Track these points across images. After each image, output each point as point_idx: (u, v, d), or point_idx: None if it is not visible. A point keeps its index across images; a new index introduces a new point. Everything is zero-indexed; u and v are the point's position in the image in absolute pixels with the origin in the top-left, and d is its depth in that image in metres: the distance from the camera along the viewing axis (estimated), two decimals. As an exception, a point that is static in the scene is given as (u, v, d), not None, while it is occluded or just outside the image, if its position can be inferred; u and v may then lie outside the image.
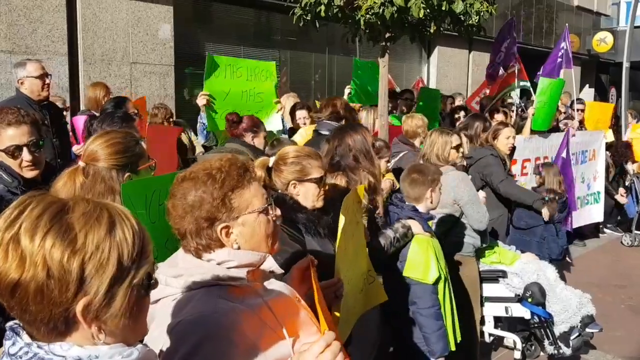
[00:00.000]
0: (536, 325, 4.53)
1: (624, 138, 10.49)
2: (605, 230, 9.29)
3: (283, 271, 1.83)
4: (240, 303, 1.51)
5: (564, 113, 9.70)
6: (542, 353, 4.70)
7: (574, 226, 7.99)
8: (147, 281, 1.12)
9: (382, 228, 3.23)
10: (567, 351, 4.44)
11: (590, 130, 9.08)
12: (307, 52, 11.14)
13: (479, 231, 4.19)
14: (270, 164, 2.61)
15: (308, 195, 2.56)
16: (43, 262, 0.99)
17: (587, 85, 19.90)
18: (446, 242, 3.53)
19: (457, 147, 4.19)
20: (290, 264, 2.08)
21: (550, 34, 17.09)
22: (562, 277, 4.92)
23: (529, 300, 4.42)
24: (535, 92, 7.76)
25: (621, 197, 9.00)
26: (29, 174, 2.76)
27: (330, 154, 3.21)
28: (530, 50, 14.88)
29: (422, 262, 3.21)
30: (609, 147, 8.82)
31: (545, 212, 5.32)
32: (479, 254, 4.49)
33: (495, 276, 4.55)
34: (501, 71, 8.31)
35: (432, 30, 5.76)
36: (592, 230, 8.96)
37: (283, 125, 5.65)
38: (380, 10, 5.13)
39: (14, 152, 2.70)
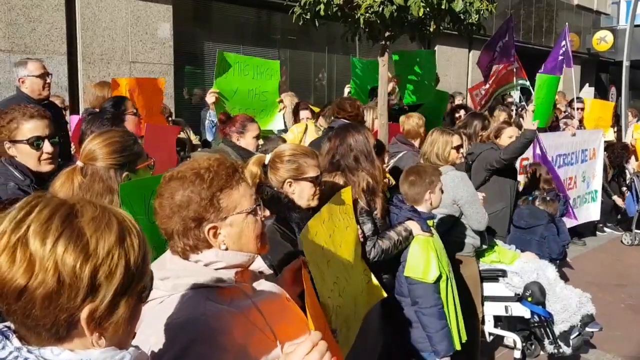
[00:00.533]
0: (536, 324, 4.52)
1: (625, 138, 10.50)
2: (605, 229, 9.29)
3: (272, 272, 1.81)
4: (228, 305, 1.49)
5: (564, 112, 9.69)
6: (542, 352, 4.69)
7: (573, 224, 8.00)
8: (147, 289, 1.12)
9: (385, 230, 3.22)
10: (567, 350, 4.43)
11: (590, 128, 9.08)
12: (307, 51, 11.13)
13: (478, 231, 4.19)
14: (266, 161, 2.60)
15: (303, 194, 2.55)
16: (54, 268, 0.96)
17: (587, 84, 19.89)
18: (446, 242, 3.52)
19: (458, 148, 4.18)
20: (282, 265, 2.07)
21: (550, 33, 17.07)
22: (562, 276, 4.92)
23: (529, 299, 4.41)
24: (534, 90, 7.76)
25: (618, 199, 9.01)
26: (47, 167, 2.74)
27: (332, 152, 3.19)
28: (530, 49, 14.88)
29: (422, 262, 3.21)
30: (606, 147, 8.82)
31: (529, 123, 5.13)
32: (479, 253, 4.48)
33: (495, 275, 4.55)
34: (494, 67, 8.27)
35: (431, 29, 5.73)
36: (590, 229, 8.97)
37: (285, 125, 5.64)
38: (380, 9, 5.11)
39: (36, 142, 2.69)
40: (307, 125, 5.25)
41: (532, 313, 4.46)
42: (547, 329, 4.44)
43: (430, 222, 3.38)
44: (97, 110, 5.17)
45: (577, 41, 17.86)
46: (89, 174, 2.25)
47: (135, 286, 1.07)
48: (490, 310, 4.60)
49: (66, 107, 6.41)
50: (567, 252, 7.44)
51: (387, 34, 5.67)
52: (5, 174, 2.65)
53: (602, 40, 18.72)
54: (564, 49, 8.65)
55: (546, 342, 4.48)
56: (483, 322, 4.56)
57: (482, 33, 6.07)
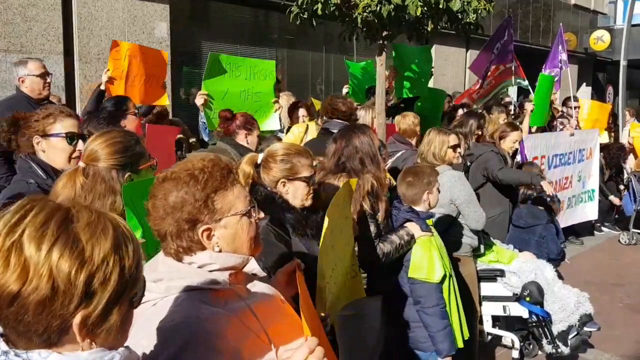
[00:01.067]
0: (534, 324, 4.51)
1: (622, 137, 10.51)
2: (603, 228, 9.30)
3: (265, 274, 1.79)
4: (222, 307, 1.47)
5: (561, 111, 9.70)
6: (540, 352, 4.68)
7: (568, 224, 8.02)
8: (138, 296, 1.10)
9: (387, 233, 3.21)
10: (566, 350, 4.42)
11: (587, 129, 9.10)
12: (304, 50, 11.11)
13: (476, 231, 4.18)
14: (259, 161, 2.58)
15: (297, 194, 2.53)
16: (49, 274, 0.95)
17: (585, 84, 19.91)
18: (444, 242, 3.51)
19: (455, 147, 4.17)
20: (276, 266, 2.06)
21: (548, 33, 17.08)
22: (560, 276, 4.91)
23: (527, 299, 4.40)
24: (533, 90, 7.76)
25: (614, 198, 9.02)
26: (75, 166, 2.74)
27: (338, 154, 3.16)
28: (527, 49, 14.88)
29: (426, 262, 3.21)
30: (602, 148, 8.84)
31: (546, 185, 5.33)
32: (477, 253, 4.47)
33: (493, 275, 4.54)
34: (492, 68, 8.26)
35: (429, 29, 5.73)
36: (588, 229, 8.98)
37: (281, 125, 5.61)
38: (378, 8, 5.10)
39: (73, 138, 2.69)
40: (307, 125, 5.22)
41: (530, 313, 4.45)
42: (545, 329, 4.43)
43: (429, 221, 3.37)
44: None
45: (574, 41, 17.87)
46: (90, 174, 2.24)
47: (129, 293, 1.06)
48: (489, 310, 4.59)
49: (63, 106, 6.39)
50: (565, 252, 7.50)
51: (384, 33, 5.67)
52: (27, 169, 2.64)
53: (599, 40, 18.74)
54: (561, 49, 8.67)
55: (544, 341, 4.47)
56: (481, 322, 4.55)
57: (479, 33, 6.07)
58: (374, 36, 5.76)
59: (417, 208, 3.41)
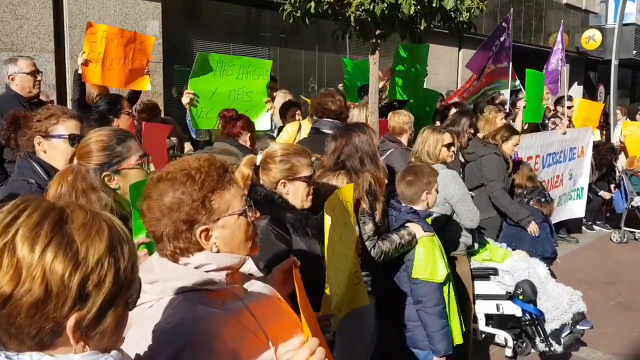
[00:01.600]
0: (527, 322, 4.51)
1: (613, 136, 10.56)
2: (594, 227, 9.34)
3: (262, 274, 1.79)
4: (220, 308, 1.46)
5: (553, 111, 9.73)
6: (533, 350, 4.69)
7: (555, 221, 8.06)
8: (134, 298, 1.09)
9: (385, 232, 3.21)
10: (559, 348, 4.43)
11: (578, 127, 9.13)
12: (297, 49, 11.09)
13: (470, 230, 4.19)
14: (258, 162, 2.57)
15: (297, 194, 2.52)
16: (42, 276, 0.93)
17: (576, 83, 20.00)
18: (440, 241, 3.52)
19: (449, 146, 4.17)
20: (272, 265, 2.05)
21: (540, 32, 17.15)
22: (553, 274, 4.92)
23: (520, 297, 4.41)
24: (524, 87, 7.79)
25: (605, 192, 9.07)
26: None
27: (338, 152, 3.16)
28: (519, 48, 14.91)
29: (429, 262, 3.21)
30: (592, 148, 8.88)
31: (532, 229, 5.47)
32: (471, 252, 4.48)
33: (486, 274, 4.54)
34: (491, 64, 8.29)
35: (422, 28, 5.73)
36: (578, 227, 9.02)
37: (272, 125, 5.56)
38: (371, 6, 5.09)
39: (75, 140, 2.66)
40: (300, 124, 5.19)
41: (524, 311, 4.45)
42: (539, 327, 4.44)
43: (428, 220, 3.38)
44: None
45: (566, 40, 17.93)
46: (74, 172, 2.26)
47: (124, 295, 1.04)
48: (482, 309, 4.60)
49: (51, 102, 6.34)
50: (557, 250, 7.54)
51: (377, 32, 5.66)
52: (29, 169, 2.61)
53: (590, 39, 18.82)
54: (561, 48, 8.73)
55: (537, 340, 4.48)
56: (475, 321, 4.55)
57: (472, 32, 6.08)
58: (367, 35, 5.75)
59: (416, 207, 3.41)
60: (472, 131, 5.61)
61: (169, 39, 8.63)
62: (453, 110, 7.43)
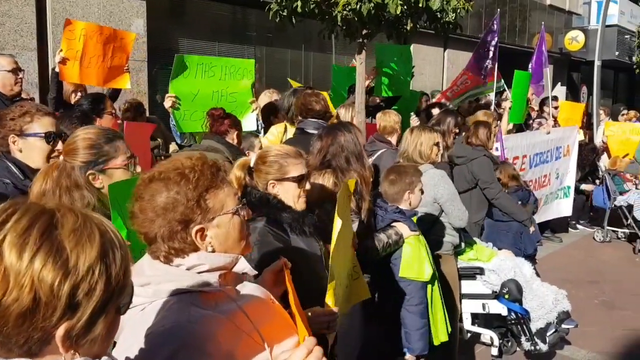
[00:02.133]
0: (513, 321, 4.55)
1: (596, 137, 10.68)
2: (578, 226, 9.44)
3: (256, 272, 1.78)
4: (213, 310, 1.45)
5: (538, 111, 9.81)
6: (518, 349, 4.73)
7: (542, 220, 8.15)
8: (126, 303, 1.06)
9: (375, 232, 3.21)
10: (544, 347, 4.47)
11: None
12: (283, 48, 11.06)
13: (457, 229, 4.20)
14: (252, 164, 2.56)
15: (288, 196, 2.50)
16: (31, 284, 0.90)
17: (559, 84, 20.19)
18: (426, 240, 3.52)
19: (438, 145, 4.18)
20: (264, 265, 2.04)
21: (524, 33, 17.28)
22: (537, 273, 4.97)
23: (506, 297, 4.44)
24: (509, 88, 7.85)
25: (586, 185, 9.16)
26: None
27: (324, 152, 3.16)
28: (502, 49, 15.00)
29: (416, 261, 3.22)
30: None
31: (532, 230, 5.63)
32: (457, 251, 4.49)
33: (472, 273, 4.56)
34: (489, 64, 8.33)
35: (408, 28, 5.75)
36: (563, 226, 9.11)
37: (258, 125, 5.49)
38: (358, 6, 5.09)
39: (52, 138, 2.63)
40: (286, 125, 5.15)
41: (509, 310, 4.49)
42: (524, 326, 4.48)
43: (414, 219, 3.38)
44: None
45: (549, 41, 18.10)
46: (59, 169, 2.25)
47: (115, 301, 1.02)
48: (468, 308, 4.62)
49: (32, 100, 6.25)
50: (542, 249, 7.63)
51: (364, 31, 5.66)
52: (3, 169, 2.56)
53: (573, 40, 19.02)
54: (544, 49, 8.80)
55: (523, 339, 4.52)
56: (461, 320, 4.57)
57: (458, 32, 6.11)
58: (354, 34, 5.75)
59: (400, 207, 3.42)
60: (457, 131, 5.62)
61: (154, 38, 8.56)
62: (436, 110, 7.47)
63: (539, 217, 8.00)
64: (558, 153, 8.23)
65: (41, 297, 0.91)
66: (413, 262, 3.24)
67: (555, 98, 9.82)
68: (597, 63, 12.65)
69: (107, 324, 1.01)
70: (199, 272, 1.50)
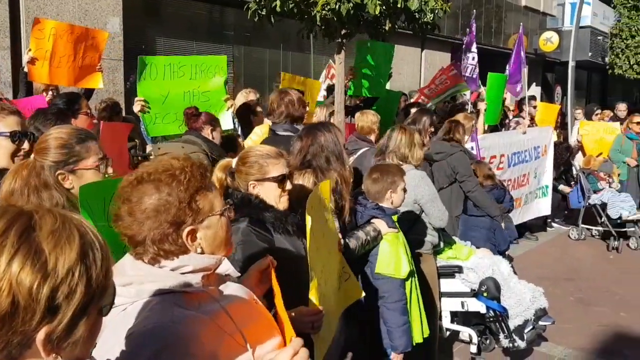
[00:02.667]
0: (491, 319, 4.59)
1: (571, 135, 10.85)
2: (553, 224, 9.58)
3: (240, 274, 1.77)
4: (196, 310, 1.43)
5: (513, 112, 9.95)
6: (496, 346, 4.77)
7: (524, 220, 8.28)
8: (108, 303, 1.04)
9: (352, 229, 3.21)
10: (522, 344, 4.51)
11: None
12: (262, 47, 11.02)
13: (437, 229, 4.23)
14: (233, 165, 2.55)
15: (269, 196, 2.49)
16: (9, 288, 0.88)
17: (534, 84, 20.49)
18: (406, 240, 3.54)
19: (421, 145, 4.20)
20: (249, 265, 2.03)
21: (500, 34, 17.49)
22: (514, 271, 5.02)
23: (485, 294, 4.48)
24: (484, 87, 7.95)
25: (564, 187, 9.32)
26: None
27: (304, 152, 3.15)
28: (478, 49, 15.17)
29: (393, 258, 3.23)
30: None
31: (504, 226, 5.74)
32: (436, 250, 4.52)
33: (451, 271, 4.59)
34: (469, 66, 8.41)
35: (387, 28, 5.77)
36: (539, 225, 9.24)
37: (234, 123, 5.42)
38: (337, 6, 5.10)
39: (17, 137, 2.58)
40: (270, 125, 5.11)
41: (488, 308, 4.52)
42: (502, 324, 4.52)
43: (394, 217, 3.39)
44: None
45: (525, 42, 18.37)
46: (29, 168, 2.22)
47: (97, 303, 1.00)
48: (447, 306, 4.65)
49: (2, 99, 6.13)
50: (518, 247, 7.75)
51: (343, 31, 5.67)
52: None
53: (548, 41, 19.32)
54: (522, 50, 8.92)
55: (501, 336, 4.56)
56: (440, 318, 4.60)
57: (435, 32, 6.16)
58: (333, 34, 5.76)
59: (381, 205, 3.43)
60: (432, 130, 5.66)
61: (130, 36, 8.46)
62: (414, 110, 7.51)
63: (521, 218, 8.12)
64: (537, 153, 8.35)
65: (20, 301, 0.88)
66: (390, 259, 3.24)
67: (533, 98, 9.96)
68: (571, 64, 12.84)
69: (89, 326, 0.99)
70: (182, 273, 1.48)
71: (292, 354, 1.27)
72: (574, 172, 9.52)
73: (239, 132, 5.46)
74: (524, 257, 7.74)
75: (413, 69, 14.19)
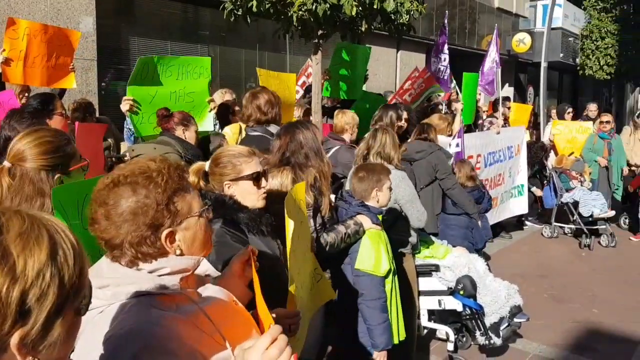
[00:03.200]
0: (468, 317, 4.64)
1: (543, 135, 11.03)
2: (526, 222, 9.72)
3: (219, 273, 1.76)
4: (174, 312, 1.42)
5: (487, 112, 10.07)
6: (473, 344, 4.83)
7: (501, 219, 8.39)
8: (85, 303, 1.03)
9: (334, 223, 3.22)
10: (498, 341, 4.58)
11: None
12: (237, 48, 10.97)
13: (416, 229, 4.26)
14: (207, 168, 2.54)
15: (245, 195, 2.49)
16: None
17: (507, 84, 20.77)
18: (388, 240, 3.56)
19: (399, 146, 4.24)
20: (223, 266, 2.03)
21: (473, 35, 17.69)
22: (489, 269, 5.09)
23: (461, 292, 4.53)
24: (460, 89, 8.02)
25: (537, 189, 9.49)
26: None
27: (282, 150, 3.18)
28: (452, 50, 15.33)
29: (373, 255, 3.24)
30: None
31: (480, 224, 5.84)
32: (414, 249, 4.56)
33: (429, 270, 4.64)
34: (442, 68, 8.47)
35: (363, 29, 5.80)
36: (514, 223, 9.37)
37: (214, 125, 5.40)
38: (313, 7, 5.11)
39: None
40: (240, 125, 5.10)
41: (464, 306, 4.58)
42: (479, 321, 4.58)
43: (379, 217, 3.42)
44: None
45: (498, 43, 18.62)
46: (18, 175, 2.11)
47: (72, 303, 0.98)
48: (425, 304, 4.69)
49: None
50: (493, 246, 7.85)
51: (319, 32, 5.68)
52: None
53: (520, 42, 19.60)
54: (496, 50, 9.02)
55: (477, 333, 4.61)
56: (418, 317, 4.64)
57: (411, 34, 6.21)
58: (309, 35, 5.77)
59: (367, 203, 3.46)
60: (401, 124, 5.68)
61: (103, 36, 8.35)
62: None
63: (498, 217, 8.23)
64: (510, 152, 8.48)
65: None
66: (370, 254, 3.25)
67: (507, 99, 10.08)
68: (543, 64, 13.06)
69: (66, 327, 0.98)
70: (160, 275, 1.47)
71: (270, 341, 1.26)
72: (547, 171, 9.68)
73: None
74: (499, 255, 7.85)
75: (388, 70, 14.27)
